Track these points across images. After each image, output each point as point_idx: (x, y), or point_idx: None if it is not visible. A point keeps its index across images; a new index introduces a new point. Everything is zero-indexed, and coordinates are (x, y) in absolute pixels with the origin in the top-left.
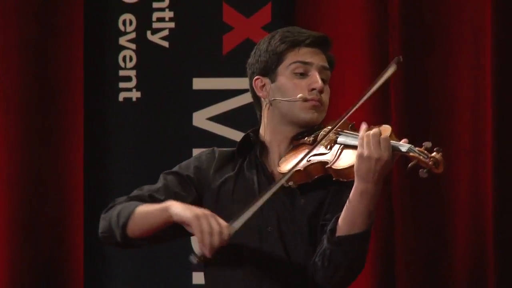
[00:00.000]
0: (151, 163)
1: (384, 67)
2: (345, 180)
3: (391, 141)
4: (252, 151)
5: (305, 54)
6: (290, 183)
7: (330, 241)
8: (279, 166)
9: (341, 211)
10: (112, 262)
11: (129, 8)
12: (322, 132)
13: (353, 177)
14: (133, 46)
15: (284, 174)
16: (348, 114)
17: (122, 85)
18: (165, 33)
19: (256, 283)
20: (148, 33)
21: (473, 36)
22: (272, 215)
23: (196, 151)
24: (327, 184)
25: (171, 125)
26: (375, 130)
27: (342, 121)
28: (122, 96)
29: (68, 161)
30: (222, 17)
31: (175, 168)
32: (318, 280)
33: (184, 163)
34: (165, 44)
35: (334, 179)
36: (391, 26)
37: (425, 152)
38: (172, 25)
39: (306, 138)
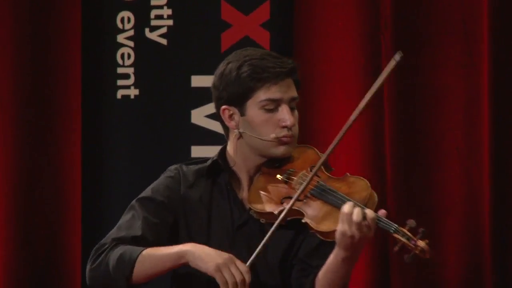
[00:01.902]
0: (149, 161)
1: (377, 65)
2: (323, 238)
3: (378, 221)
4: (221, 174)
5: (275, 92)
6: (262, 220)
7: None
8: (250, 198)
9: (314, 251)
10: None
11: (127, 6)
12: (300, 176)
13: (331, 239)
14: (131, 43)
15: (256, 212)
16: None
17: (120, 82)
18: (163, 30)
19: None
20: (146, 30)
21: (465, 35)
22: (243, 245)
23: (194, 149)
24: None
25: (169, 123)
26: (358, 211)
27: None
28: (120, 93)
29: (65, 159)
30: (221, 14)
31: (149, 193)
32: None
33: (155, 186)
34: (163, 41)
35: (310, 231)
36: (383, 24)
37: (411, 236)
38: (170, 22)
39: (278, 176)
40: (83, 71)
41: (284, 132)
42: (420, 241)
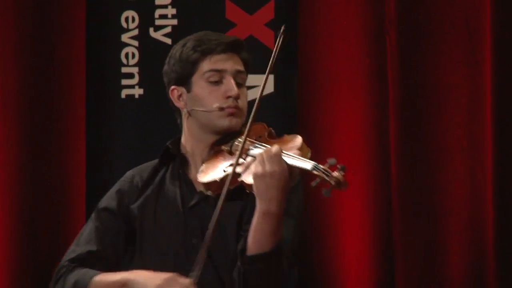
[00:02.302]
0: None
1: (382, 64)
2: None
3: (297, 158)
4: (174, 161)
5: (218, 61)
6: (209, 192)
7: (242, 261)
8: (198, 174)
9: (250, 219)
10: None
11: (131, 5)
12: (238, 140)
13: None
14: (136, 43)
15: (203, 184)
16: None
17: (124, 82)
18: (168, 30)
19: None
20: (151, 30)
21: (468, 33)
22: (196, 226)
23: None
24: (247, 194)
25: (174, 122)
26: (268, 147)
27: (250, 125)
28: (124, 93)
29: (69, 159)
30: (225, 14)
31: (102, 202)
32: None
33: (108, 193)
34: (168, 41)
35: (248, 191)
36: (388, 22)
37: (328, 171)
38: (175, 22)
39: (223, 146)
40: (87, 70)
41: (229, 102)
42: (336, 173)
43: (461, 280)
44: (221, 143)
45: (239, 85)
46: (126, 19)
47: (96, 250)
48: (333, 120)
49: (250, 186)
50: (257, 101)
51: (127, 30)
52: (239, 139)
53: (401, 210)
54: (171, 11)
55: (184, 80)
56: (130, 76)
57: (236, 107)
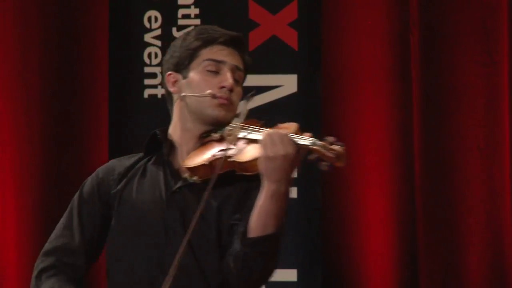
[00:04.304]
0: None
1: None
2: (249, 174)
3: (295, 136)
4: (159, 150)
5: (218, 52)
6: (194, 178)
7: (243, 243)
8: (185, 161)
9: (250, 210)
10: None
11: (154, 5)
12: (229, 128)
13: (257, 170)
14: (159, 43)
15: (189, 168)
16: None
17: (147, 82)
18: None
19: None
20: (174, 30)
21: (485, 34)
22: (176, 211)
23: None
24: (234, 181)
25: None
26: (274, 129)
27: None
28: (147, 93)
29: (92, 159)
30: (248, 14)
31: (80, 191)
32: (231, 281)
33: (87, 181)
34: None
35: (237, 173)
36: (412, 23)
37: (327, 145)
38: (197, 22)
39: (213, 134)
40: (110, 70)
41: (222, 92)
42: (335, 146)
43: (481, 280)
44: (207, 135)
45: (235, 82)
46: (149, 19)
47: (67, 243)
48: (357, 120)
49: (243, 164)
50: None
51: (150, 30)
52: (230, 125)
53: (424, 210)
54: (194, 11)
55: (182, 66)
56: (153, 76)
57: (228, 99)
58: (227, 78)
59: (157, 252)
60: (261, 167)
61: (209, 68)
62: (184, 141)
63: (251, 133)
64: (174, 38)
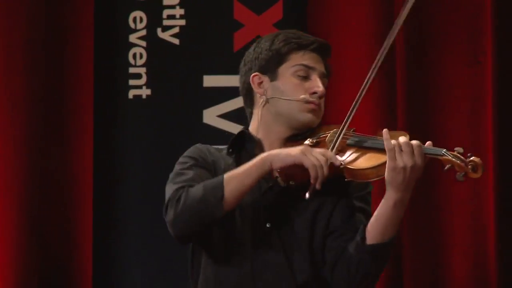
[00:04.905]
0: (161, 161)
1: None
2: (362, 181)
3: (425, 147)
4: (243, 149)
5: (309, 58)
6: (291, 182)
7: (361, 249)
8: None
9: (351, 216)
10: (120, 262)
11: (139, 6)
12: (331, 133)
13: (369, 178)
14: (144, 43)
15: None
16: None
17: (132, 82)
18: (176, 30)
19: (251, 283)
20: (159, 30)
21: (469, 35)
22: (271, 212)
23: None
24: (329, 188)
25: (181, 123)
26: (403, 139)
27: (351, 115)
28: (132, 93)
29: (77, 160)
30: (233, 14)
31: (185, 158)
32: (337, 284)
33: (186, 153)
34: (176, 41)
35: (346, 179)
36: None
37: (461, 156)
38: (182, 22)
39: (307, 141)
40: (95, 70)
41: (314, 98)
42: (474, 157)
43: (463, 281)
44: (295, 139)
45: None
46: (134, 20)
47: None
48: (341, 120)
49: (357, 172)
50: (358, 96)
51: (135, 30)
52: (332, 133)
53: (408, 210)
54: (179, 11)
55: (269, 69)
56: (138, 76)
57: (319, 104)
58: (319, 85)
59: (246, 252)
60: (387, 176)
61: (300, 73)
62: (268, 141)
63: (360, 139)
64: (159, 39)
